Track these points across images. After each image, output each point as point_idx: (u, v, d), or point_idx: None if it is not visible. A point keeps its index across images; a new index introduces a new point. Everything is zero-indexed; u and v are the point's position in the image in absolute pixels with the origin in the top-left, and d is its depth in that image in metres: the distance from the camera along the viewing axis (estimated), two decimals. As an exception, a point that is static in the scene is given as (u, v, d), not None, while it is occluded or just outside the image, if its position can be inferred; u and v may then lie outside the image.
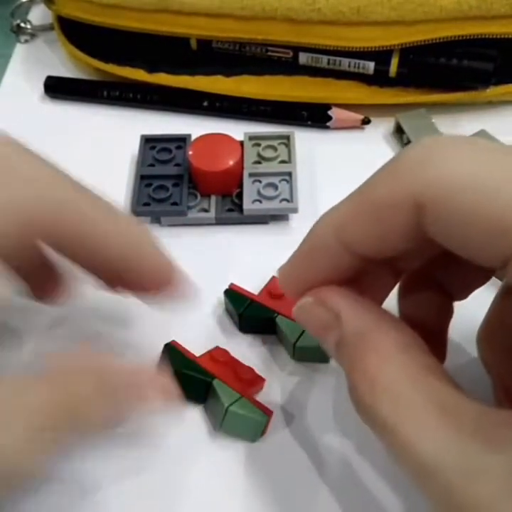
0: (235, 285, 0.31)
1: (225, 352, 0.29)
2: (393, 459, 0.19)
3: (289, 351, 0.30)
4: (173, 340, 0.29)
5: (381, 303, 0.23)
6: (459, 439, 0.17)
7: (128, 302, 0.32)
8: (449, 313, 0.25)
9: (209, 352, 0.29)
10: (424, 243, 0.19)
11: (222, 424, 0.27)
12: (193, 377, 0.27)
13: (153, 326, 0.31)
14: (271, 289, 0.31)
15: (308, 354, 0.29)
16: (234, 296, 0.31)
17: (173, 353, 0.28)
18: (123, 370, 0.23)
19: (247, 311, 0.30)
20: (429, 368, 0.19)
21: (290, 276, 0.22)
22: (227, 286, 0.31)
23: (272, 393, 0.29)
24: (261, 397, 0.28)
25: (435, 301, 0.24)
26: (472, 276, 0.23)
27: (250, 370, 0.28)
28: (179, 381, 0.27)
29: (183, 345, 0.29)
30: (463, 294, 0.24)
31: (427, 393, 0.18)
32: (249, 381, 0.28)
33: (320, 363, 0.29)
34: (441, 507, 0.18)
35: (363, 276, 0.22)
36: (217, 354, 0.28)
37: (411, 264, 0.23)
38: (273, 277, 0.31)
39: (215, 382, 0.27)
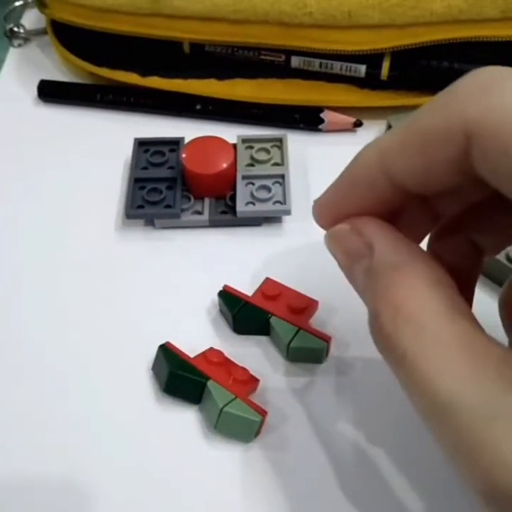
0: (229, 286, 0.31)
1: (219, 353, 0.29)
2: (407, 393, 0.18)
3: (283, 352, 0.30)
4: (168, 342, 0.29)
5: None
6: (481, 378, 0.16)
7: (123, 304, 0.32)
8: (478, 265, 0.23)
9: (203, 353, 0.29)
10: (470, 183, 0.18)
11: (216, 424, 0.27)
12: (188, 379, 0.28)
13: (148, 327, 0.31)
14: (265, 290, 0.31)
15: (302, 355, 0.29)
16: (228, 297, 0.31)
17: (167, 354, 0.29)
18: None
19: (241, 313, 0.30)
20: (458, 307, 0.18)
21: (327, 205, 0.21)
22: (221, 288, 0.31)
23: (266, 394, 0.29)
24: (255, 398, 0.28)
25: (465, 252, 0.23)
26: (506, 232, 0.22)
27: (244, 370, 0.28)
28: (174, 382, 0.28)
29: (178, 346, 0.29)
30: (494, 250, 0.23)
31: (453, 330, 0.17)
32: (243, 382, 0.28)
33: (313, 363, 0.30)
34: (455, 449, 0.17)
35: (401, 215, 0.21)
36: (211, 355, 0.29)
37: (451, 208, 0.22)
38: (267, 279, 0.32)
39: (210, 383, 0.27)
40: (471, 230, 0.23)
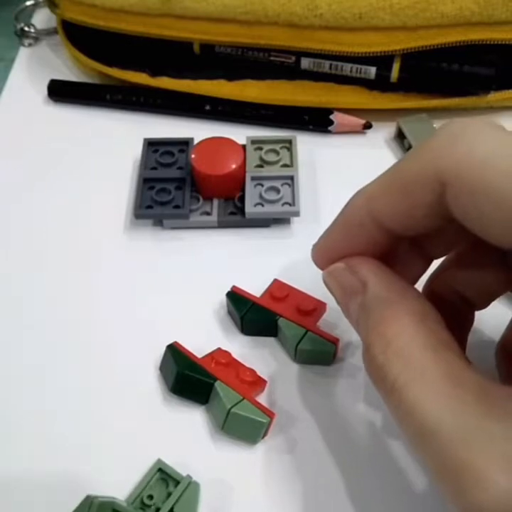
0: (237, 287, 0.31)
1: (227, 354, 0.29)
2: (396, 420, 0.19)
3: (291, 354, 0.30)
4: (176, 342, 0.29)
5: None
6: (461, 404, 0.17)
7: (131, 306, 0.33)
8: (468, 321, 0.25)
9: (211, 354, 0.29)
10: (449, 225, 0.19)
11: (224, 425, 0.27)
12: (196, 379, 0.28)
13: (156, 327, 0.31)
14: (273, 291, 0.31)
15: (310, 357, 0.29)
16: (236, 298, 0.31)
17: (175, 355, 0.29)
18: None
19: (248, 314, 0.30)
20: (443, 340, 0.19)
21: (323, 248, 0.23)
22: (229, 289, 0.31)
23: (274, 395, 0.29)
24: (262, 399, 0.28)
25: (456, 309, 0.24)
26: (492, 282, 0.24)
27: (252, 372, 0.28)
28: (181, 382, 0.28)
29: (185, 346, 0.29)
30: (483, 303, 0.25)
31: (437, 361, 0.19)
32: (251, 383, 0.28)
33: (321, 365, 0.29)
34: (436, 469, 0.18)
35: (394, 255, 0.23)
36: (219, 356, 0.29)
37: (439, 250, 0.24)
38: (275, 280, 0.32)
39: (217, 384, 0.27)
40: (459, 283, 0.24)
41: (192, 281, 0.33)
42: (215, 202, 0.36)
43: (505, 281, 0.24)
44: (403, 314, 0.20)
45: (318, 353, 0.29)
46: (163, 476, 0.26)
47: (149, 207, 0.35)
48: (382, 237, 0.21)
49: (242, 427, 0.27)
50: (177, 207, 0.35)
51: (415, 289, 0.22)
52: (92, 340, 0.31)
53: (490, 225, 0.18)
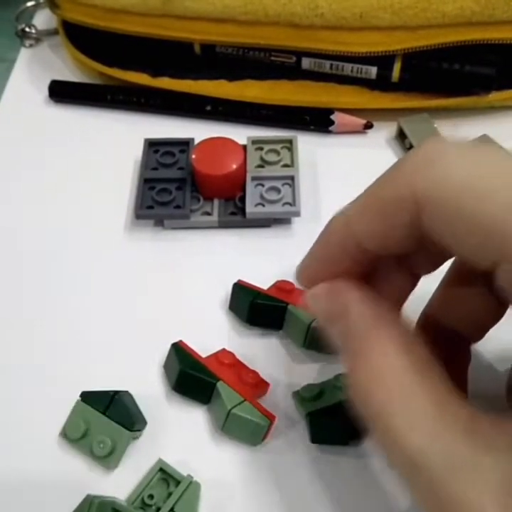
0: (243, 281, 0.31)
1: (231, 354, 0.29)
2: (383, 448, 0.19)
3: (300, 339, 0.29)
4: (181, 340, 0.29)
5: (400, 305, 0.24)
6: (449, 435, 0.17)
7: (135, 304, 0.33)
8: (465, 356, 0.25)
9: (215, 354, 0.29)
10: (427, 243, 0.19)
11: (224, 426, 0.27)
12: (198, 378, 0.28)
13: (157, 326, 0.31)
14: (280, 286, 0.31)
15: (320, 342, 0.29)
16: (243, 288, 0.31)
17: (179, 353, 0.29)
18: None
19: (258, 299, 0.30)
20: (430, 367, 0.19)
21: (307, 269, 0.23)
22: (230, 289, 0.31)
23: (276, 398, 0.29)
24: (264, 402, 0.28)
25: (450, 344, 0.24)
26: (482, 314, 0.24)
27: (255, 373, 0.28)
28: (184, 381, 0.28)
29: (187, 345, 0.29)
30: (477, 336, 0.24)
31: (424, 389, 0.18)
32: (253, 385, 0.28)
33: (329, 354, 0.29)
34: (425, 502, 0.18)
35: (380, 275, 0.22)
36: (223, 356, 0.29)
37: (425, 267, 0.23)
38: (277, 282, 0.32)
39: (219, 384, 0.27)
40: (449, 318, 0.24)
41: (193, 281, 0.33)
42: (216, 202, 0.36)
43: (495, 312, 0.23)
44: (387, 341, 0.20)
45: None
46: (164, 475, 0.26)
47: (150, 207, 0.35)
48: (364, 257, 0.21)
49: (242, 428, 0.27)
50: (178, 207, 0.35)
51: (399, 314, 0.21)
52: (93, 340, 0.31)
53: (465, 247, 0.18)
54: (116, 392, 0.28)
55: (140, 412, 0.28)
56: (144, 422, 0.28)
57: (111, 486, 0.27)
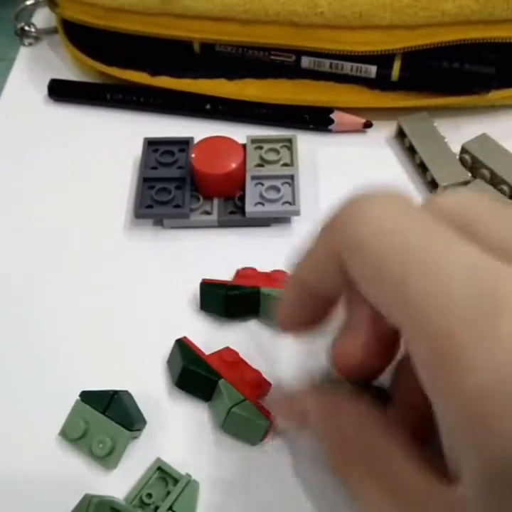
0: (207, 279, 0.31)
1: (235, 353, 0.29)
2: None
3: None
4: (185, 337, 0.30)
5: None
6: None
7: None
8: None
9: (219, 351, 0.29)
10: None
11: (224, 424, 0.27)
12: (200, 375, 0.28)
13: (157, 326, 0.31)
14: (243, 274, 0.32)
15: None
16: (212, 285, 0.31)
17: (183, 349, 0.29)
18: None
19: (230, 291, 0.30)
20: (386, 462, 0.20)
21: (284, 316, 0.24)
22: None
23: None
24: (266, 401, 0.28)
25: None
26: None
27: (257, 373, 0.28)
28: (186, 377, 0.28)
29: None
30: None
31: (383, 483, 0.20)
32: (255, 384, 0.28)
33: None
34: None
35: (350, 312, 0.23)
36: (226, 354, 0.29)
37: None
38: (238, 271, 0.32)
39: (221, 382, 0.27)
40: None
41: (193, 280, 0.33)
42: (216, 201, 0.36)
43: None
44: (346, 447, 0.21)
45: None
46: (163, 474, 0.26)
47: (149, 206, 0.35)
48: (323, 301, 0.22)
49: (242, 427, 0.27)
50: (177, 206, 0.35)
51: (358, 408, 0.22)
52: (93, 339, 0.31)
53: (382, 308, 0.19)
54: (115, 392, 0.28)
55: (139, 412, 0.28)
56: (143, 422, 0.28)
57: (110, 485, 0.27)
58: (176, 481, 0.26)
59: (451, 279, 0.17)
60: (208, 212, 0.35)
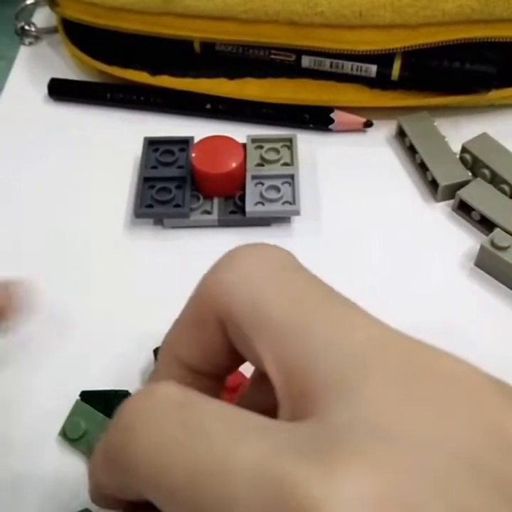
0: None
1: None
2: None
3: None
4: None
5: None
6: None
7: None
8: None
9: None
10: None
11: None
12: None
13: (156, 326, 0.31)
14: None
15: None
16: None
17: None
18: None
19: None
20: None
21: None
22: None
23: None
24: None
25: None
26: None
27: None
28: None
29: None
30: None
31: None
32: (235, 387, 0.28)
33: None
34: None
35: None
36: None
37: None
38: None
39: None
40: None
41: (193, 280, 0.33)
42: (216, 201, 0.36)
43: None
44: None
45: None
46: None
47: (150, 206, 0.35)
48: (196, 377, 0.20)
49: None
50: (177, 206, 0.35)
51: None
52: (93, 339, 0.31)
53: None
54: (115, 392, 0.28)
55: None
56: None
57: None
58: None
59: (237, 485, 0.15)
60: (208, 212, 0.35)
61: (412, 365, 0.16)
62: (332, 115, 0.40)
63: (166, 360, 0.20)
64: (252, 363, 0.19)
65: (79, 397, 0.28)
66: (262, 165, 0.36)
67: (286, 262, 0.20)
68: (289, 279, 0.19)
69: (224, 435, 0.16)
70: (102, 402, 0.27)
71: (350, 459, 0.14)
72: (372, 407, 0.15)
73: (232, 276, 0.19)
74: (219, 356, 0.19)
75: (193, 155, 0.35)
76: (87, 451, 0.27)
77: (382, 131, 0.40)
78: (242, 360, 0.20)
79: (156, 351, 0.29)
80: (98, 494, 0.20)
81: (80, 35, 0.43)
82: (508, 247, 0.31)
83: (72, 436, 0.27)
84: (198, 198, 0.35)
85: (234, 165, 0.35)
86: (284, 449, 0.15)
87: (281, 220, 0.36)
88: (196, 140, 0.37)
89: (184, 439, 0.16)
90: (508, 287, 0.32)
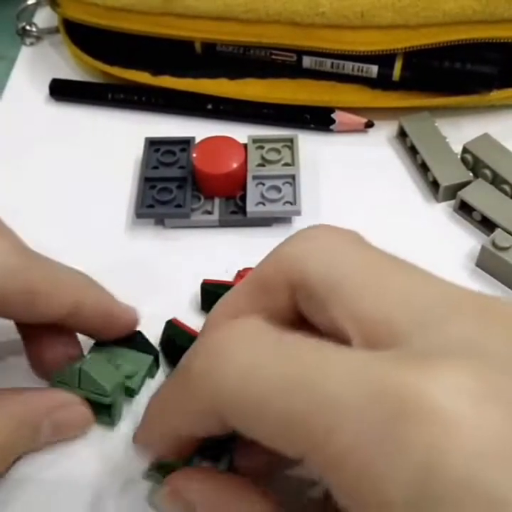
0: (209, 279, 0.32)
1: None
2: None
3: None
4: (174, 318, 0.30)
5: None
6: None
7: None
8: None
9: None
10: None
11: None
12: None
13: (158, 325, 0.31)
14: (244, 274, 0.31)
15: None
16: (213, 286, 0.31)
17: (175, 330, 0.29)
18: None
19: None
20: None
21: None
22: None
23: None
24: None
25: None
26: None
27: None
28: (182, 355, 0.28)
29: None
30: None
31: None
32: None
33: None
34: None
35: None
36: None
37: None
38: (239, 272, 0.32)
39: None
40: None
41: (193, 279, 0.33)
42: (217, 201, 0.36)
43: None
44: None
45: None
46: None
47: (151, 206, 0.35)
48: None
49: None
50: (178, 206, 0.35)
51: (254, 491, 0.20)
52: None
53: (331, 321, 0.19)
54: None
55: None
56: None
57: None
58: None
59: (338, 395, 0.15)
60: (209, 212, 0.35)
61: (486, 310, 0.17)
62: (333, 115, 0.40)
63: (220, 317, 0.22)
64: (321, 325, 0.19)
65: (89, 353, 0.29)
66: (262, 165, 0.37)
67: (357, 237, 0.20)
68: (362, 248, 0.20)
69: (317, 351, 0.17)
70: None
71: (448, 362, 0.15)
72: (457, 335, 0.16)
73: (307, 245, 0.20)
74: (278, 319, 0.20)
75: (194, 155, 0.35)
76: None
77: (383, 131, 0.40)
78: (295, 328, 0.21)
79: (169, 322, 0.30)
80: (155, 437, 0.21)
81: (82, 36, 0.43)
82: (509, 247, 0.31)
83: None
84: (199, 198, 0.35)
85: (235, 165, 0.35)
86: (380, 357, 0.16)
87: (282, 220, 0.36)
88: (197, 140, 0.37)
89: (278, 352, 0.17)
90: (509, 287, 0.32)
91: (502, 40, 0.36)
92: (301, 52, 0.39)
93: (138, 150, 0.38)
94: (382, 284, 0.18)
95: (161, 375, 0.30)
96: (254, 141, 0.37)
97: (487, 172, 0.35)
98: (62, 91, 0.43)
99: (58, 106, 0.43)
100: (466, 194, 0.34)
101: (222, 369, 0.17)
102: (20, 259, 0.25)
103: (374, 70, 0.39)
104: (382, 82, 0.40)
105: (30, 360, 0.28)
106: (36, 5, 0.49)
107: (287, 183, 0.36)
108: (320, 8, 0.36)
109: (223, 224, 0.35)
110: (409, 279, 0.18)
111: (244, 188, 0.35)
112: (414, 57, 0.38)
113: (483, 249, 0.32)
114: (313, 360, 0.16)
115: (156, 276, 0.34)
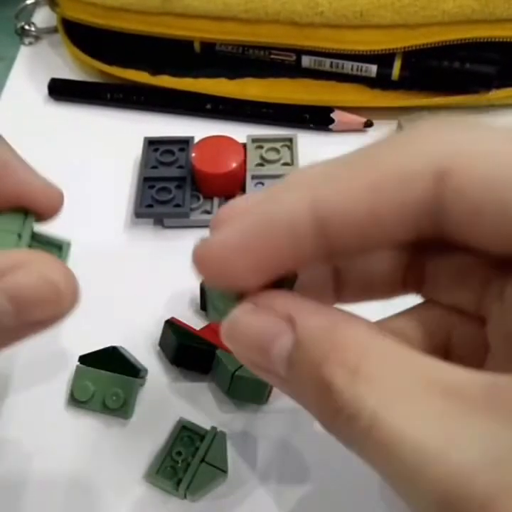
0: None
1: None
2: (380, 468, 0.14)
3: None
4: (173, 317, 0.30)
5: None
6: (467, 424, 0.13)
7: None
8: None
9: (208, 325, 0.30)
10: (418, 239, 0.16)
11: (229, 389, 0.28)
12: (198, 349, 0.29)
13: (156, 324, 0.31)
14: (214, 327, 0.31)
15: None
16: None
17: (174, 329, 0.29)
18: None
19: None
20: (411, 350, 0.15)
21: (221, 253, 0.17)
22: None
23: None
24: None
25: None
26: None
27: None
28: (182, 353, 0.29)
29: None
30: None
31: (422, 375, 0.14)
32: None
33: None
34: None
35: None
36: (216, 326, 0.29)
37: (359, 280, 0.19)
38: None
39: (219, 352, 0.28)
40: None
41: (193, 279, 0.33)
42: (216, 200, 0.36)
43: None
44: (360, 334, 0.15)
45: None
46: (187, 433, 0.27)
47: (150, 206, 0.35)
48: (314, 253, 0.16)
49: (247, 389, 0.27)
50: (177, 206, 0.35)
51: (350, 312, 0.16)
52: (92, 339, 0.31)
53: (492, 229, 0.14)
54: (113, 347, 0.29)
55: (138, 361, 0.29)
56: (145, 370, 0.29)
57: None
58: (201, 437, 0.27)
59: None
60: (208, 212, 0.35)
61: None
62: (332, 115, 0.39)
63: (292, 217, 0.16)
64: (472, 231, 0.15)
65: (78, 363, 0.29)
66: (262, 165, 0.36)
67: None
68: None
69: None
70: (103, 360, 0.29)
71: None
72: None
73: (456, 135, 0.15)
74: (390, 229, 0.15)
75: (193, 155, 0.35)
76: (100, 409, 0.28)
77: (383, 131, 0.40)
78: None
79: (168, 321, 0.30)
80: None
81: (80, 35, 0.43)
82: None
83: (83, 398, 0.28)
84: (198, 198, 0.35)
85: (234, 165, 0.35)
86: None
87: (281, 219, 0.36)
88: (196, 140, 0.37)
89: None
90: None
91: (501, 40, 0.36)
92: (300, 52, 0.39)
93: (137, 150, 0.38)
94: None
95: (157, 375, 0.30)
96: (254, 140, 0.37)
97: (486, 171, 0.35)
98: (61, 91, 0.43)
99: (57, 105, 0.43)
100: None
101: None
102: None
103: (373, 69, 0.39)
104: (382, 82, 0.40)
105: None
106: (35, 5, 0.49)
107: (286, 182, 0.36)
108: (319, 7, 0.36)
109: (222, 223, 0.35)
110: None
111: (243, 187, 0.35)
112: (414, 57, 0.38)
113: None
114: None
115: (156, 276, 0.33)
